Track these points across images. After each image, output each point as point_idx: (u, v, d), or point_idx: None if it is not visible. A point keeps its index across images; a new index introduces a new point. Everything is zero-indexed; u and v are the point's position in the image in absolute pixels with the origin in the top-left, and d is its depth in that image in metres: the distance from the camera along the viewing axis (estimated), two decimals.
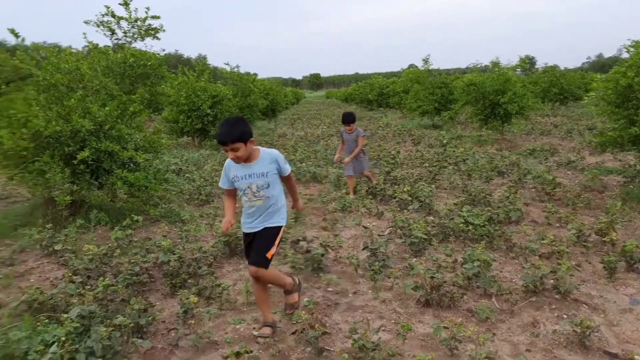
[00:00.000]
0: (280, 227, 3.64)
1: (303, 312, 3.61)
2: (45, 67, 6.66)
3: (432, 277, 4.17)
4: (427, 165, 10.52)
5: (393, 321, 3.92)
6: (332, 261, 5.26)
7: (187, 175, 10.03)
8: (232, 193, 3.69)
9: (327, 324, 3.85)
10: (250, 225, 3.60)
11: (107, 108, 6.43)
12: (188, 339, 3.62)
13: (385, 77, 38.35)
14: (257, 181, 3.48)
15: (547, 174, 8.57)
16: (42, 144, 6.40)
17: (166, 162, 10.95)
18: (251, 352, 3.12)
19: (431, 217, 6.41)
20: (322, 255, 4.99)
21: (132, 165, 6.97)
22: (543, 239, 5.35)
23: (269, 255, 3.51)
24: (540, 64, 29.98)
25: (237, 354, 3.02)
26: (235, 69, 19.34)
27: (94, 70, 6.62)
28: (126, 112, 6.76)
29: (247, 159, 3.47)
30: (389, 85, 32.43)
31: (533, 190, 8.24)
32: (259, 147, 3.57)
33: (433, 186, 8.35)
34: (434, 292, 4.14)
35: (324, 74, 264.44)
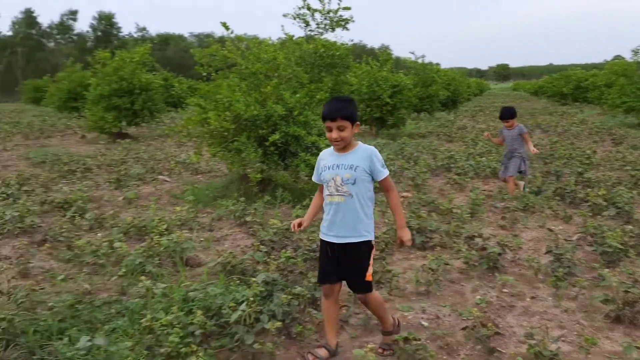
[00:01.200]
0: (369, 241, 3.12)
1: (475, 309, 3.51)
2: (248, 56, 7.39)
3: (626, 291, 3.72)
4: (630, 168, 9.31)
5: (575, 333, 3.60)
6: (509, 262, 4.99)
7: None
8: (323, 190, 3.27)
9: (500, 325, 3.68)
10: (328, 233, 3.17)
11: (297, 95, 6.91)
12: (358, 317, 3.77)
13: (584, 69, 34.66)
14: (343, 173, 3.06)
15: None
16: (241, 126, 7.14)
17: None
18: (419, 340, 3.14)
19: (630, 226, 5.68)
20: (499, 254, 4.77)
21: (314, 149, 7.39)
22: None
23: (368, 278, 3.12)
24: None
25: (405, 339, 3.06)
26: (420, 59, 19.21)
27: (289, 60, 7.16)
28: (313, 100, 7.19)
29: (343, 148, 3.12)
30: (588, 78, 29.29)
31: None
32: (360, 142, 3.22)
33: (634, 192, 7.39)
34: (627, 307, 3.69)
35: (513, 64, 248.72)
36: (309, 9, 7.38)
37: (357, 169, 3.05)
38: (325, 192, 3.16)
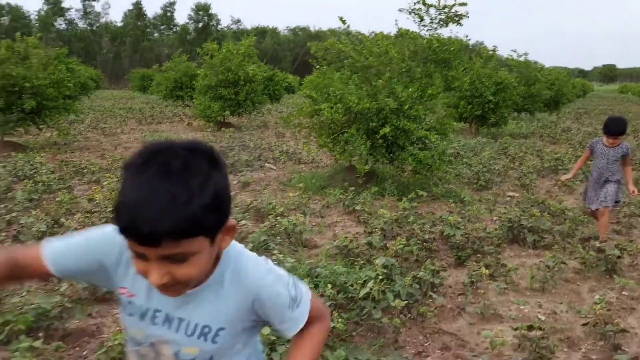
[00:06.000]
0: None
1: (598, 306, 3.53)
2: (360, 51, 7.64)
3: None
4: None
5: None
6: (627, 266, 4.88)
7: (464, 160, 10.26)
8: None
9: (622, 325, 3.66)
10: None
11: (409, 89, 7.06)
12: (475, 306, 3.90)
13: None
14: (180, 344, 1.17)
15: None
16: (350, 118, 7.41)
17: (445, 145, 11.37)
18: (543, 329, 3.22)
19: None
20: (618, 257, 4.68)
21: (421, 144, 7.52)
22: None
23: None
24: None
25: (530, 327, 3.16)
26: (522, 57, 18.59)
27: (402, 54, 7.32)
28: (425, 94, 7.31)
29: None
30: None
31: None
32: (234, 243, 1.17)
33: None
34: None
35: (620, 65, 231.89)
36: (424, 4, 7.49)
37: (220, 334, 1.17)
38: None
